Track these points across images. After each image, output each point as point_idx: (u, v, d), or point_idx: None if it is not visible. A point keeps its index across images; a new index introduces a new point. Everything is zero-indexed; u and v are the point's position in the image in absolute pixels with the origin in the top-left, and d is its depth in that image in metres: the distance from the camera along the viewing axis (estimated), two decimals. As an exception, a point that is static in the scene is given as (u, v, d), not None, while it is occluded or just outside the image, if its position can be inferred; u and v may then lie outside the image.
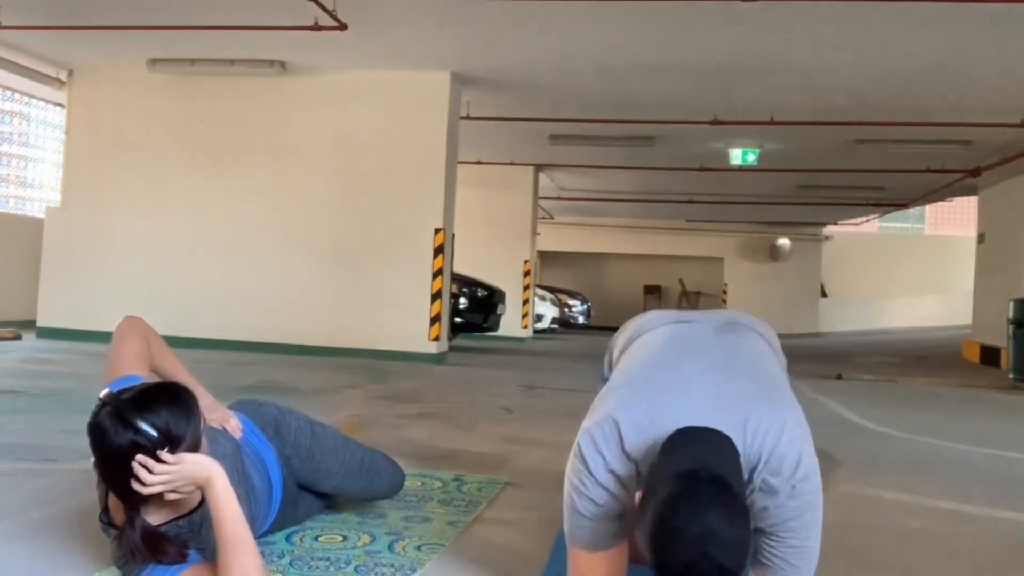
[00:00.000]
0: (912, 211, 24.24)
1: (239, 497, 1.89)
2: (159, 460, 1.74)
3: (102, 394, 1.84)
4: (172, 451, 1.77)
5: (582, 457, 1.76)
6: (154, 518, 1.84)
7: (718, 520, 1.44)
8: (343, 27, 7.19)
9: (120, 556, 1.85)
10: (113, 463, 1.77)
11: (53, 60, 9.43)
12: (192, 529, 1.89)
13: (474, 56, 8.45)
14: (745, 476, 1.66)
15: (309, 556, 2.22)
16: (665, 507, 1.47)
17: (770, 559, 1.73)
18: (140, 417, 1.76)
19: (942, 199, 16.61)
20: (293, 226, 9.20)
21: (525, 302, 14.40)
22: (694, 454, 1.59)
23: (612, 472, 1.73)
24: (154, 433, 1.76)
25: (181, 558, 1.80)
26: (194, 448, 1.82)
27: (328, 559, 2.20)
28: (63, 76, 9.71)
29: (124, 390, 1.84)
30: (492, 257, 13.96)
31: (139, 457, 1.74)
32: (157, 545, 1.79)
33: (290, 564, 2.16)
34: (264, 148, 9.33)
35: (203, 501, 1.86)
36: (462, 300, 11.56)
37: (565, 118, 10.43)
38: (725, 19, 6.89)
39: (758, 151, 11.61)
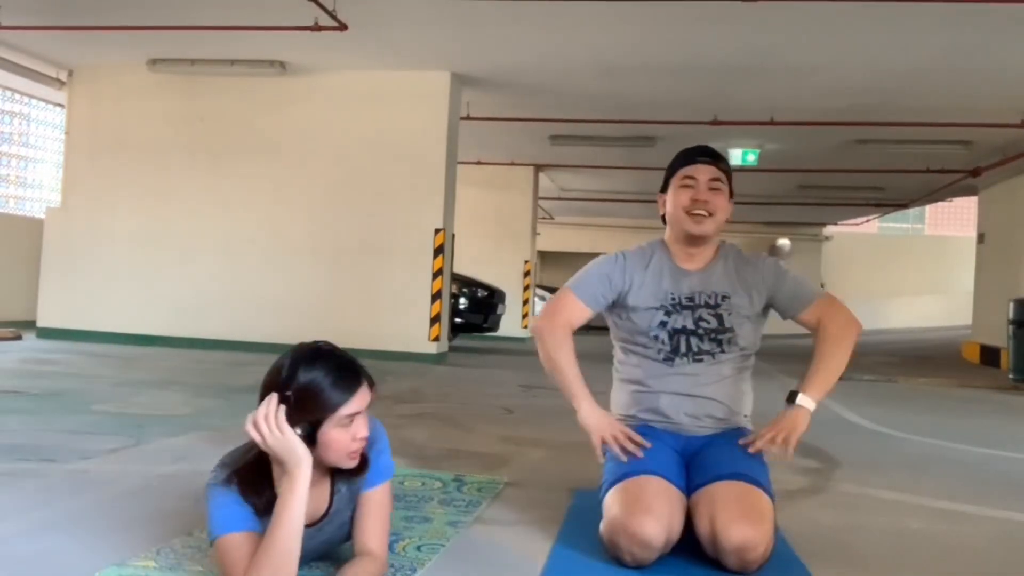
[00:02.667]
0: (912, 211, 24.23)
1: (331, 522, 1.95)
2: (276, 413, 1.79)
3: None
4: (291, 415, 1.78)
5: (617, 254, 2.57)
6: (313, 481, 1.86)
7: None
8: (343, 27, 7.19)
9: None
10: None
11: (53, 60, 9.43)
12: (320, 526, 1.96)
13: (474, 56, 8.45)
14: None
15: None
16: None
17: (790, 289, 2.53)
18: (300, 367, 1.83)
19: (942, 199, 16.61)
20: (293, 226, 9.20)
21: (525, 302, 14.40)
22: None
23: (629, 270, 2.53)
24: (286, 380, 1.81)
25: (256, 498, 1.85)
26: (313, 426, 1.81)
27: (328, 559, 2.19)
28: (63, 76, 9.71)
29: (341, 351, 1.91)
30: (492, 257, 13.97)
31: (268, 396, 1.80)
32: (262, 470, 1.86)
33: (290, 564, 2.15)
34: (264, 148, 9.32)
35: (327, 512, 1.93)
36: (462, 300, 11.57)
37: (565, 118, 10.43)
38: (725, 19, 6.89)
39: (758, 151, 11.60)
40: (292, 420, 1.80)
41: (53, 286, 9.53)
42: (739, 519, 2.10)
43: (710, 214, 2.46)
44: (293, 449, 1.79)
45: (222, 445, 3.74)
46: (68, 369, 6.64)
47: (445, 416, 5.03)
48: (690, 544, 2.23)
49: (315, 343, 1.92)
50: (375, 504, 1.99)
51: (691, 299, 2.48)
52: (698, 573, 2.19)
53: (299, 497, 1.79)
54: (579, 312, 2.51)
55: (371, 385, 1.92)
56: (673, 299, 2.48)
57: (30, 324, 9.64)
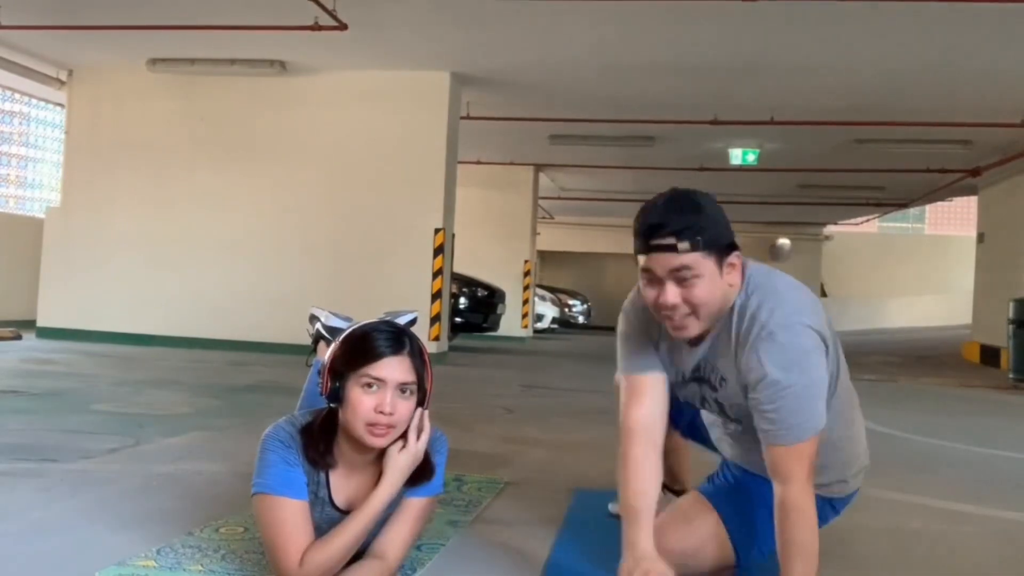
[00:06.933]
0: (912, 211, 24.23)
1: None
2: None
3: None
4: (333, 358, 1.85)
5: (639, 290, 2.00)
6: None
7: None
8: (343, 27, 7.19)
9: None
10: None
11: (53, 60, 9.43)
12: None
13: (474, 56, 8.45)
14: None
15: (309, 556, 2.21)
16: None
17: (767, 410, 1.88)
18: (367, 323, 1.90)
19: (942, 199, 16.61)
20: (293, 226, 9.20)
21: (525, 302, 14.40)
22: None
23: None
24: (351, 327, 1.91)
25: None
26: (345, 379, 1.83)
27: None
28: (63, 76, 9.71)
29: (410, 331, 1.98)
30: (492, 257, 13.97)
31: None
32: (328, 431, 1.91)
33: (290, 564, 2.15)
34: (264, 148, 9.32)
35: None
36: (462, 300, 11.56)
37: (565, 118, 10.43)
38: (725, 19, 6.89)
39: (758, 151, 11.60)
40: (333, 365, 1.82)
41: (53, 286, 9.53)
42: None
43: (690, 312, 1.88)
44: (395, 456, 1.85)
45: (222, 445, 3.75)
46: (68, 369, 6.63)
47: (445, 416, 5.03)
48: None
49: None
50: (411, 512, 1.94)
51: (697, 370, 2.06)
52: None
53: (372, 508, 1.81)
54: (658, 387, 2.06)
55: (418, 363, 1.88)
56: (681, 376, 2.10)
57: (30, 324, 9.64)
